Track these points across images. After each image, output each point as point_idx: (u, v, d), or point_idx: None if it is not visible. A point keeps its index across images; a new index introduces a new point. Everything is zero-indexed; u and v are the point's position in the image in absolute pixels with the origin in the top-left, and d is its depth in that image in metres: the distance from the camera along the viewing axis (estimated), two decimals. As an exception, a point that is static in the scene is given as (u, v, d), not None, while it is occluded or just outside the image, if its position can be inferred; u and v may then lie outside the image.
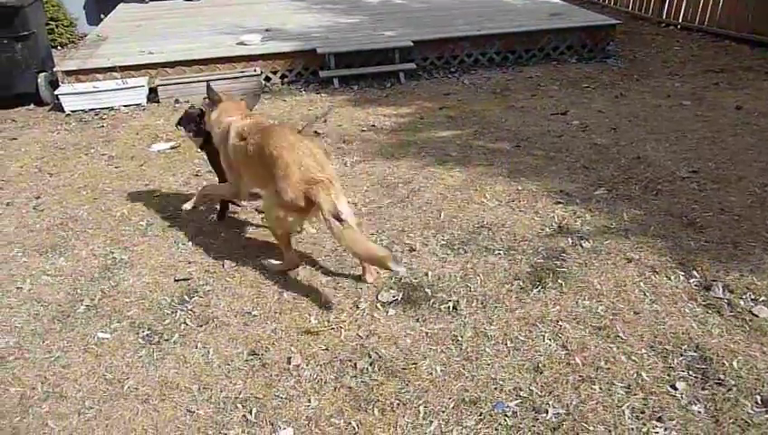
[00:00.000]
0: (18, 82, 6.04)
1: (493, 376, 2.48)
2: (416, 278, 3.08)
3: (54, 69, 6.19)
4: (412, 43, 6.49)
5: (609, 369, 2.49)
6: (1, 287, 3.20)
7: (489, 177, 4.16)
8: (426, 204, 3.83)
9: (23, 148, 5.13)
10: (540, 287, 2.98)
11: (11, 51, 5.87)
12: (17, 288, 3.19)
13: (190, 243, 3.51)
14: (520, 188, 3.98)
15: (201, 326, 2.83)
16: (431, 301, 2.92)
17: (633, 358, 2.54)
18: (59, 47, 8.29)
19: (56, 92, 5.94)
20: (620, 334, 2.66)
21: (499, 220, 3.60)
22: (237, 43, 6.52)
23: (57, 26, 8.35)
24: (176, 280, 3.16)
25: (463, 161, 4.42)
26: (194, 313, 2.92)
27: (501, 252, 3.28)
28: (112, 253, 3.45)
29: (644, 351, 2.57)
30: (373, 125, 5.22)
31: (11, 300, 3.10)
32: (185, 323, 2.86)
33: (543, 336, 2.67)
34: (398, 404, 2.37)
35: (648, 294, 2.91)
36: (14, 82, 6.02)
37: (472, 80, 6.37)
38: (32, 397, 2.49)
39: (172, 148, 4.93)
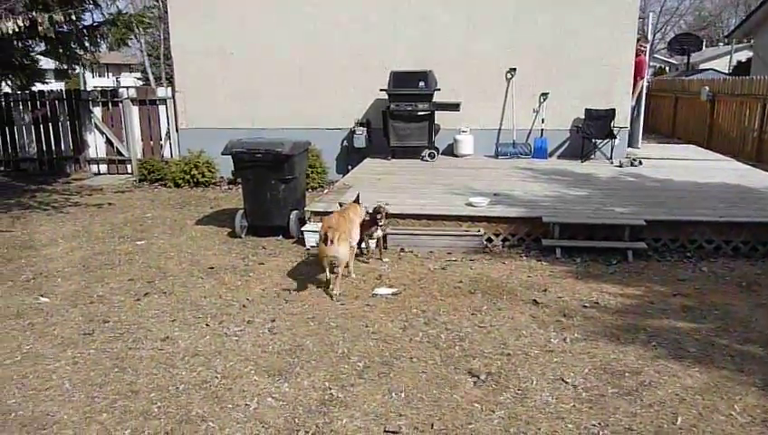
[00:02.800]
0: (275, 217, 6.99)
1: None
2: (646, 491, 2.68)
3: (305, 208, 7.09)
4: (645, 223, 6.24)
5: None
6: (233, 401, 3.49)
7: (738, 384, 3.61)
8: (658, 403, 3.41)
9: (266, 272, 5.80)
10: None
11: (276, 190, 6.90)
12: (245, 404, 3.45)
13: (403, 394, 3.53)
14: (779, 406, 3.37)
15: (404, 488, 2.74)
16: None
17: None
18: (310, 190, 9.52)
19: (302, 229, 6.74)
20: None
21: (753, 442, 3.04)
22: (466, 204, 6.88)
23: (312, 172, 9.68)
24: (385, 431, 3.16)
25: (704, 360, 3.93)
26: (399, 470, 2.85)
27: (757, 483, 2.73)
28: (330, 389, 3.60)
29: None
30: (596, 302, 4.97)
31: (239, 415, 3.36)
32: (389, 479, 2.80)
33: None
34: None
35: None
36: (272, 216, 7.00)
37: (712, 268, 5.83)
38: None
39: (394, 294, 5.17)
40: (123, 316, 4.79)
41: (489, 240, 6.56)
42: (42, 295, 5.27)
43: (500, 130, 10.44)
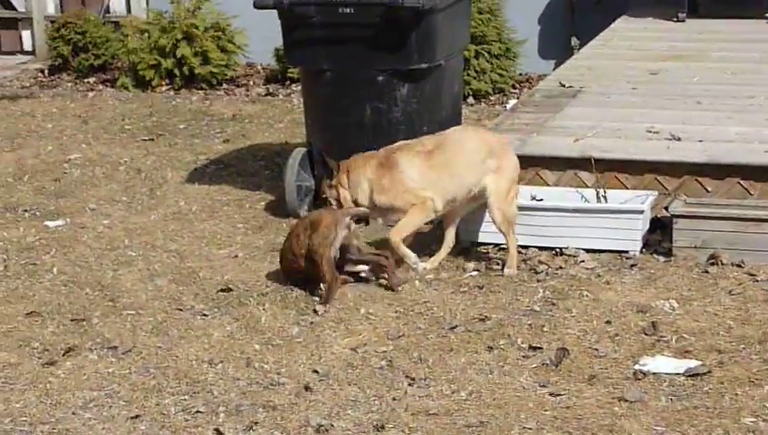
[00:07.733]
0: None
1: None
2: None
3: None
4: None
5: None
6: None
7: None
8: None
9: (364, 305, 5.85)
10: None
11: (389, 99, 6.88)
12: None
13: None
14: None
15: None
16: None
17: None
18: (473, 99, 9.61)
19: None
20: None
21: None
22: None
23: (480, 54, 9.65)
24: None
25: None
26: None
27: None
28: None
29: None
30: None
31: None
32: None
33: None
34: None
35: None
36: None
37: None
38: None
39: (690, 374, 5.04)
40: (15, 404, 4.92)
41: None
42: None
43: None
